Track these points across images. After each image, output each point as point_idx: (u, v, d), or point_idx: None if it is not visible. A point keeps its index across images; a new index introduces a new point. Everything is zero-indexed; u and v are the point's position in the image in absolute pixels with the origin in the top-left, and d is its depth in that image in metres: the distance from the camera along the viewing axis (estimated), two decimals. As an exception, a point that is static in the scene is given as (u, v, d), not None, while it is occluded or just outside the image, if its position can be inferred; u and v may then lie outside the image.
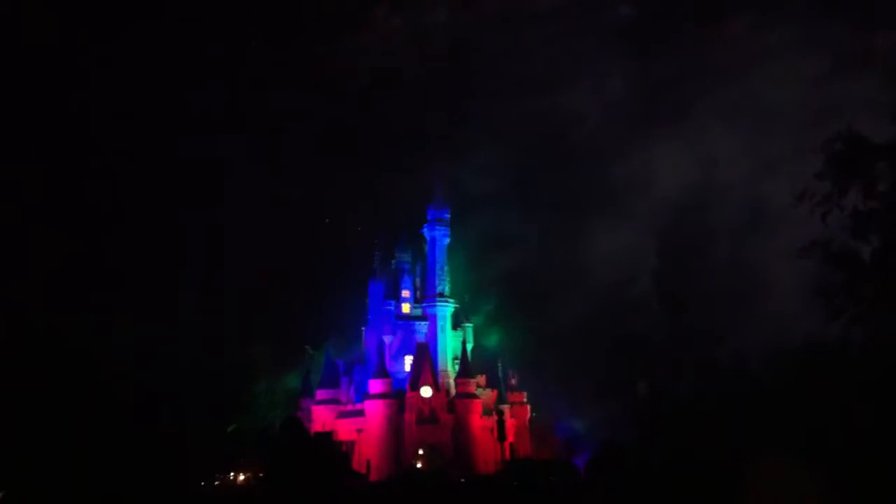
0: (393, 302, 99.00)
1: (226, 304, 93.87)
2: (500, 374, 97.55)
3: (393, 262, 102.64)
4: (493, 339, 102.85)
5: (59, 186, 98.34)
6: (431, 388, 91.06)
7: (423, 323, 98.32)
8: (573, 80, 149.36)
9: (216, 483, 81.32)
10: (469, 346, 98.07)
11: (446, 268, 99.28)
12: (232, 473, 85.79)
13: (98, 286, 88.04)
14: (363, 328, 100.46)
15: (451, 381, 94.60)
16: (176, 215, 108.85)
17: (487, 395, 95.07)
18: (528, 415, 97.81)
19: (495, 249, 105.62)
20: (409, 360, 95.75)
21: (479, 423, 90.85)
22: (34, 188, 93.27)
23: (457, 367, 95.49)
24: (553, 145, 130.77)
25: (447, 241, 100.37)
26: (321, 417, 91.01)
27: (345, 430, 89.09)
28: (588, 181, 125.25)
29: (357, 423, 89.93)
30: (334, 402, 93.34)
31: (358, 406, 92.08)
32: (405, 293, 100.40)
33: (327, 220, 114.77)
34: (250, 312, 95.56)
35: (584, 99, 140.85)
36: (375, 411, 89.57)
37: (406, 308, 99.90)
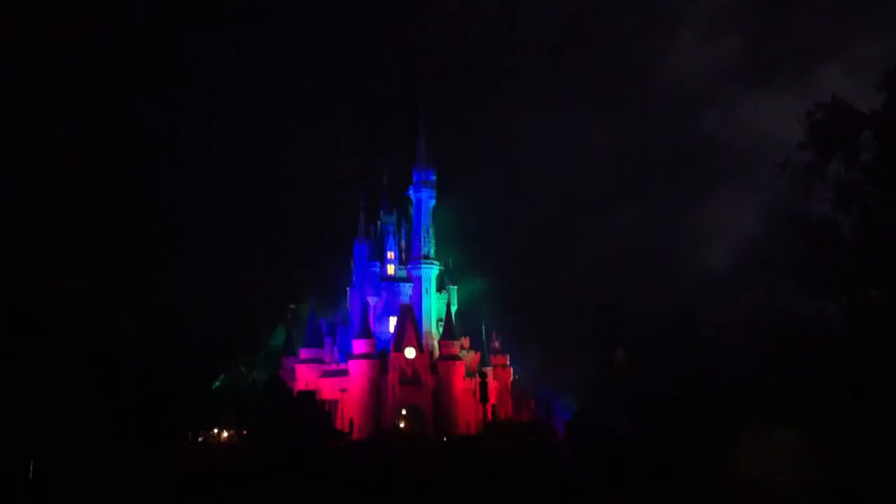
0: (378, 263, 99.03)
1: (211, 261, 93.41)
2: (484, 337, 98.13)
3: (378, 223, 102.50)
4: (477, 302, 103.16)
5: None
6: (415, 349, 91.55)
7: (407, 285, 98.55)
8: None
9: (199, 440, 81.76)
10: (453, 309, 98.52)
11: (431, 230, 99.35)
12: (215, 430, 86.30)
13: (89, 244, 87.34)
14: (348, 289, 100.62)
15: (435, 343, 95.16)
16: (166, 177, 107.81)
17: (471, 357, 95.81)
18: (511, 377, 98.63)
19: (496, 211, 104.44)
20: (393, 322, 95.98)
21: (462, 385, 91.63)
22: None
23: (441, 329, 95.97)
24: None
25: (433, 203, 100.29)
26: (304, 376, 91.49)
27: (328, 390, 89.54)
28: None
29: (340, 383, 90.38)
30: (318, 361, 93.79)
31: (342, 366, 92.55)
32: (390, 255, 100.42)
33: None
34: (235, 270, 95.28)
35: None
36: (359, 371, 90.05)
37: (391, 270, 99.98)
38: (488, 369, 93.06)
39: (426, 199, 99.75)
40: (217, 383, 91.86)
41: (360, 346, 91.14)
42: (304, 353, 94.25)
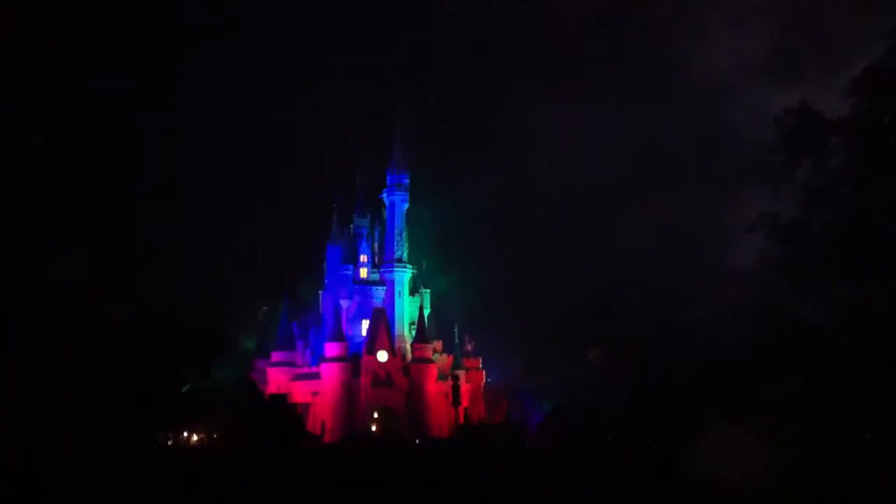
0: (350, 266, 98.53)
1: (181, 263, 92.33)
2: (457, 340, 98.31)
3: (351, 226, 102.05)
4: (451, 305, 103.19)
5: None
6: (388, 352, 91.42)
7: (380, 288, 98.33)
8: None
9: (170, 443, 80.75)
10: (426, 312, 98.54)
11: (405, 233, 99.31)
12: (185, 433, 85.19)
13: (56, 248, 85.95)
14: (320, 292, 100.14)
15: (408, 347, 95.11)
16: (135, 178, 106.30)
17: (443, 360, 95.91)
18: (483, 380, 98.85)
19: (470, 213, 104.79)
20: (365, 325, 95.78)
21: (435, 388, 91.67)
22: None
23: (413, 333, 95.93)
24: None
25: (406, 206, 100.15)
26: (276, 379, 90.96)
27: (300, 393, 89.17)
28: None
29: (312, 386, 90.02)
30: (290, 364, 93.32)
31: (314, 369, 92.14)
32: (363, 258, 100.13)
33: None
34: (206, 271, 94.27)
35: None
36: (331, 374, 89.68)
37: (364, 273, 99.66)
38: (461, 372, 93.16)
39: (399, 203, 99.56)
40: (186, 386, 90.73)
41: (332, 349, 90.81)
42: (275, 356, 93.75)
